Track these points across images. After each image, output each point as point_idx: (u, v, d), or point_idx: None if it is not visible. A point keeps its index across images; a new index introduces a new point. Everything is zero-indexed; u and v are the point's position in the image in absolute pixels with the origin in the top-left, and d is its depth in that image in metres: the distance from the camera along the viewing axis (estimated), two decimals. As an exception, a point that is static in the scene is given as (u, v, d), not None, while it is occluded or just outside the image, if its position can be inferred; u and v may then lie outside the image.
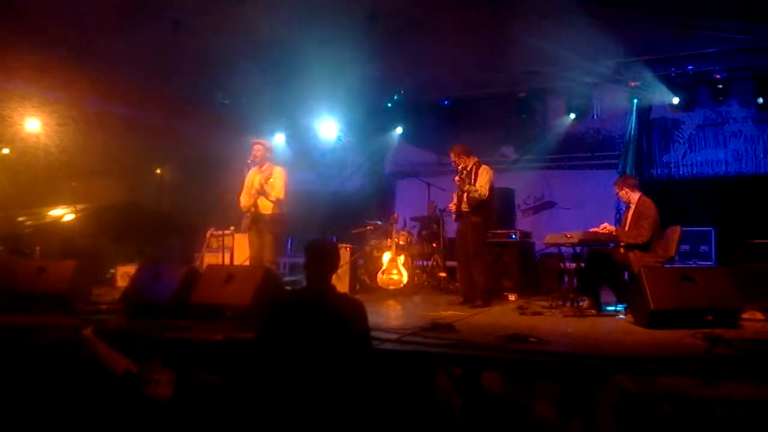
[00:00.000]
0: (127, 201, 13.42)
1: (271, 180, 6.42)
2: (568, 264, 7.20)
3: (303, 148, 12.83)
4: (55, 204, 12.66)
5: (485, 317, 5.73)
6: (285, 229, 6.60)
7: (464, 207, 6.56)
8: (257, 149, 6.65)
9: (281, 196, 6.48)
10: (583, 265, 6.14)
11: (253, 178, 6.68)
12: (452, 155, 6.77)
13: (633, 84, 10.55)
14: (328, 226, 11.01)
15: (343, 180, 13.04)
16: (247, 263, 7.56)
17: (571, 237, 5.87)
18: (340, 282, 7.40)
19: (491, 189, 6.48)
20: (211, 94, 12.00)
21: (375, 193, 12.82)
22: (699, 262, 9.68)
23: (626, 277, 6.04)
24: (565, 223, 10.24)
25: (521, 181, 11.38)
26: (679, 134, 11.05)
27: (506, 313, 6.06)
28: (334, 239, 9.86)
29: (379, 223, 9.29)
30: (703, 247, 10.04)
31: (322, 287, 3.70)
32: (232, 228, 7.93)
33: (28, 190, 13.72)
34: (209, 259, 8.44)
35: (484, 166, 6.59)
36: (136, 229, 11.96)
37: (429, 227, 9.21)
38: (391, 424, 3.85)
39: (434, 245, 8.82)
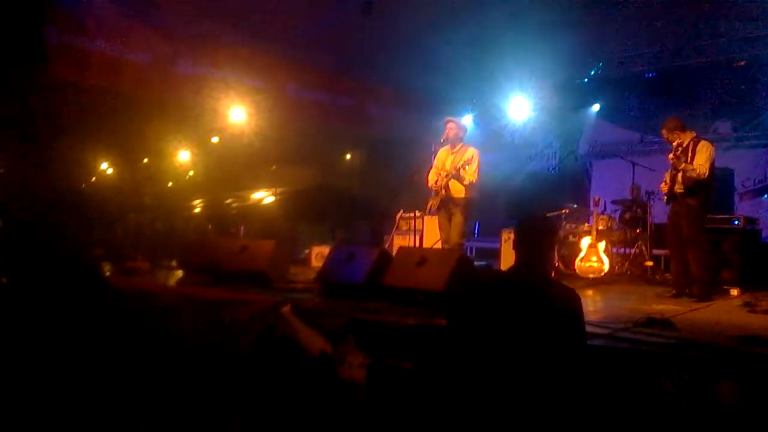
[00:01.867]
0: (320, 184, 13.97)
1: (465, 162, 6.12)
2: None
3: (492, 128, 12.43)
4: (256, 188, 13.52)
5: (707, 314, 5.02)
6: (475, 212, 6.29)
7: (678, 188, 5.81)
8: (450, 127, 6.39)
9: (475, 179, 6.18)
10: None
11: (444, 157, 6.44)
12: (664, 131, 6.04)
13: None
14: (517, 210, 10.57)
15: (534, 162, 12.46)
16: (438, 246, 7.40)
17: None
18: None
19: (711, 168, 5.68)
20: (401, 75, 11.99)
21: (568, 174, 12.11)
22: None
23: None
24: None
25: (739, 161, 10.11)
26: None
27: (731, 310, 5.27)
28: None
29: (575, 206, 8.68)
30: None
31: (534, 271, 3.31)
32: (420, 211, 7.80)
33: (233, 175, 14.80)
34: (398, 241, 8.39)
35: (703, 142, 5.79)
36: (329, 211, 12.39)
37: (632, 211, 8.43)
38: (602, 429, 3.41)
39: (638, 231, 8.03)
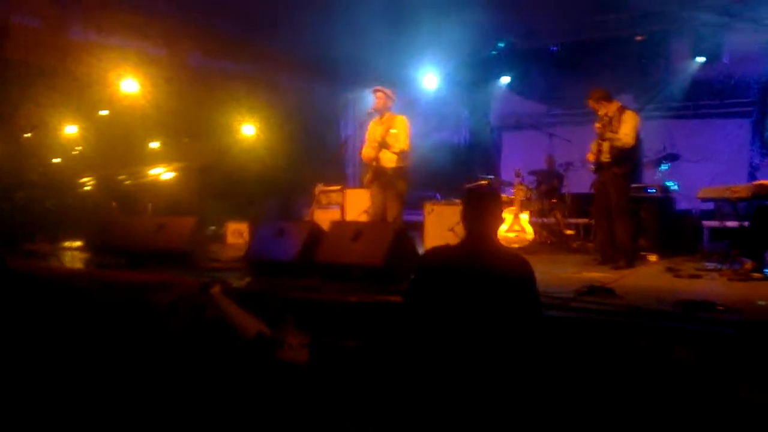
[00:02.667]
0: (221, 159, 13.35)
1: (393, 131, 5.96)
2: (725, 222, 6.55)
3: (402, 100, 12.29)
4: (154, 163, 12.73)
5: (637, 280, 5.15)
6: (409, 183, 6.16)
7: (605, 157, 5.93)
8: (379, 97, 6.20)
9: (405, 147, 6.03)
10: (747, 223, 5.42)
11: (374, 129, 6.24)
12: (590, 101, 6.14)
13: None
14: (433, 181, 10.55)
15: (444, 133, 12.46)
16: (363, 218, 7.24)
17: (737, 191, 5.17)
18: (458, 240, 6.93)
19: (637, 138, 5.82)
20: (305, 45, 11.60)
21: (480, 146, 12.21)
22: None
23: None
24: (691, 178, 9.38)
25: (641, 133, 10.51)
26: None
27: (658, 275, 5.45)
28: (438, 196, 9.42)
29: (491, 177, 8.75)
30: None
31: (486, 242, 3.21)
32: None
33: (127, 150, 13.88)
34: (320, 215, 8.15)
35: (628, 112, 5.92)
36: (235, 187, 11.88)
37: (548, 182, 8.58)
38: (565, 401, 3.38)
39: (554, 201, 8.20)
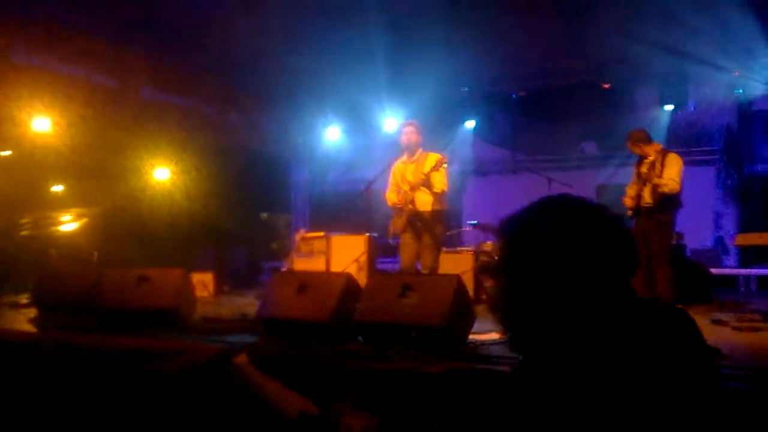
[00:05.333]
0: (147, 202, 12.18)
1: (433, 171, 5.31)
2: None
3: (363, 143, 11.74)
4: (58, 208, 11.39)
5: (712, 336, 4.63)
6: (445, 228, 5.49)
7: (645, 203, 5.54)
8: (410, 131, 5.56)
9: (445, 187, 5.40)
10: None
11: (403, 169, 5.55)
12: (629, 143, 5.82)
13: (737, 73, 9.59)
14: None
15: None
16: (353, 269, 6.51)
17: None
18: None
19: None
20: (254, 81, 10.86)
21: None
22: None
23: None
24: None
25: (606, 181, 10.41)
26: (784, 128, 10.17)
27: (718, 329, 4.99)
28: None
29: (477, 222, 8.24)
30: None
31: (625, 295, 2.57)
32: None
33: (34, 192, 12.42)
34: (299, 264, 7.32)
35: (672, 155, 5.59)
36: (166, 232, 10.79)
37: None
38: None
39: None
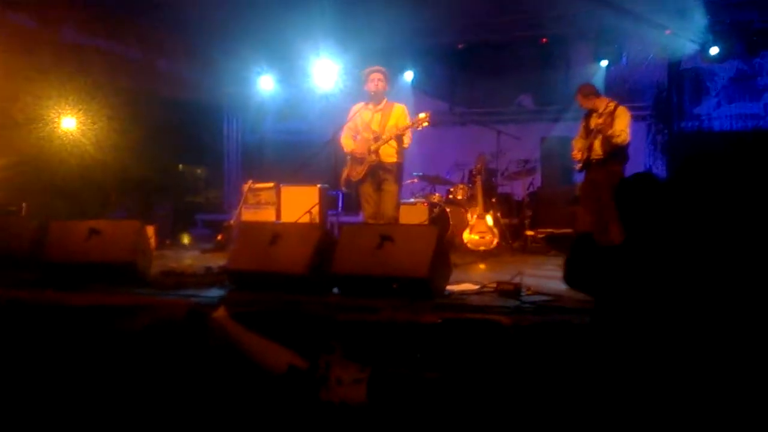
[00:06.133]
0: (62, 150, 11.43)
1: (392, 122, 5.17)
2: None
3: (296, 94, 11.40)
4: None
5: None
6: (404, 180, 5.38)
7: (596, 155, 5.65)
8: (377, 78, 5.36)
9: (410, 141, 5.26)
10: None
11: (369, 117, 5.37)
12: (580, 96, 5.89)
13: (668, 32, 9.87)
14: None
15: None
16: (304, 221, 6.38)
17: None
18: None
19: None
20: (183, 26, 10.29)
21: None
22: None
23: None
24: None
25: (543, 134, 10.59)
26: (712, 86, 10.58)
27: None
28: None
29: (423, 174, 8.23)
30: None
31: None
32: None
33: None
34: (248, 216, 7.07)
35: (621, 108, 5.70)
36: (85, 183, 10.21)
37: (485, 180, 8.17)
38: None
39: (493, 200, 7.82)
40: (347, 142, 5.44)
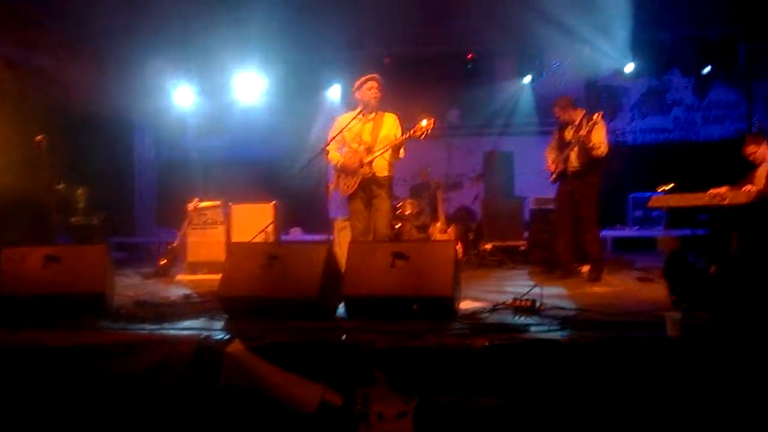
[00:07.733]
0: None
1: (384, 132, 4.89)
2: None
3: (217, 108, 10.84)
4: None
5: (649, 292, 4.82)
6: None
7: (572, 166, 5.64)
8: (373, 87, 5.05)
9: (404, 153, 4.97)
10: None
11: (359, 128, 5.02)
12: (557, 109, 5.86)
13: (587, 48, 10.25)
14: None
15: (268, 147, 11.22)
16: (260, 239, 5.99)
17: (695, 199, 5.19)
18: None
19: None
20: (91, 34, 9.52)
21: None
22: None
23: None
24: (530, 189, 9.75)
25: (472, 148, 10.67)
26: (626, 102, 11.09)
27: (646, 288, 5.20)
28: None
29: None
30: (655, 213, 10.12)
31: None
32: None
33: None
34: (195, 237, 6.51)
35: (599, 120, 5.67)
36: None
37: (424, 196, 8.06)
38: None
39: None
40: (335, 155, 5.09)
